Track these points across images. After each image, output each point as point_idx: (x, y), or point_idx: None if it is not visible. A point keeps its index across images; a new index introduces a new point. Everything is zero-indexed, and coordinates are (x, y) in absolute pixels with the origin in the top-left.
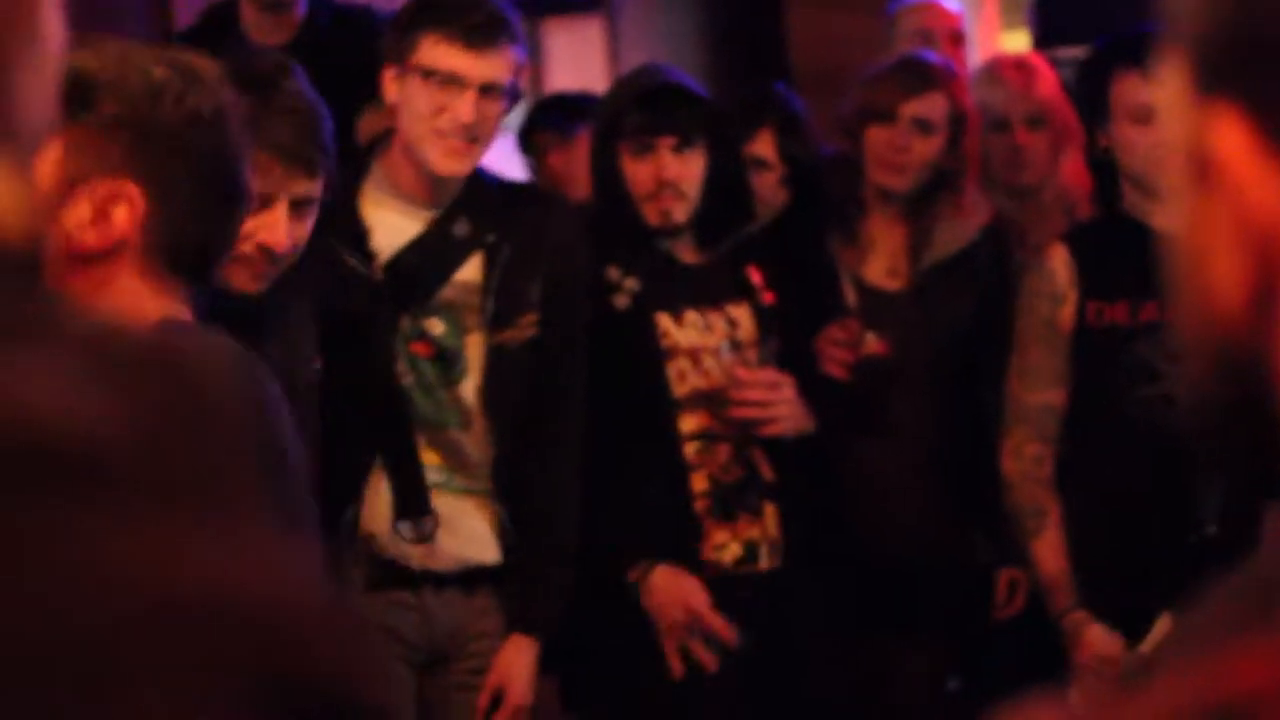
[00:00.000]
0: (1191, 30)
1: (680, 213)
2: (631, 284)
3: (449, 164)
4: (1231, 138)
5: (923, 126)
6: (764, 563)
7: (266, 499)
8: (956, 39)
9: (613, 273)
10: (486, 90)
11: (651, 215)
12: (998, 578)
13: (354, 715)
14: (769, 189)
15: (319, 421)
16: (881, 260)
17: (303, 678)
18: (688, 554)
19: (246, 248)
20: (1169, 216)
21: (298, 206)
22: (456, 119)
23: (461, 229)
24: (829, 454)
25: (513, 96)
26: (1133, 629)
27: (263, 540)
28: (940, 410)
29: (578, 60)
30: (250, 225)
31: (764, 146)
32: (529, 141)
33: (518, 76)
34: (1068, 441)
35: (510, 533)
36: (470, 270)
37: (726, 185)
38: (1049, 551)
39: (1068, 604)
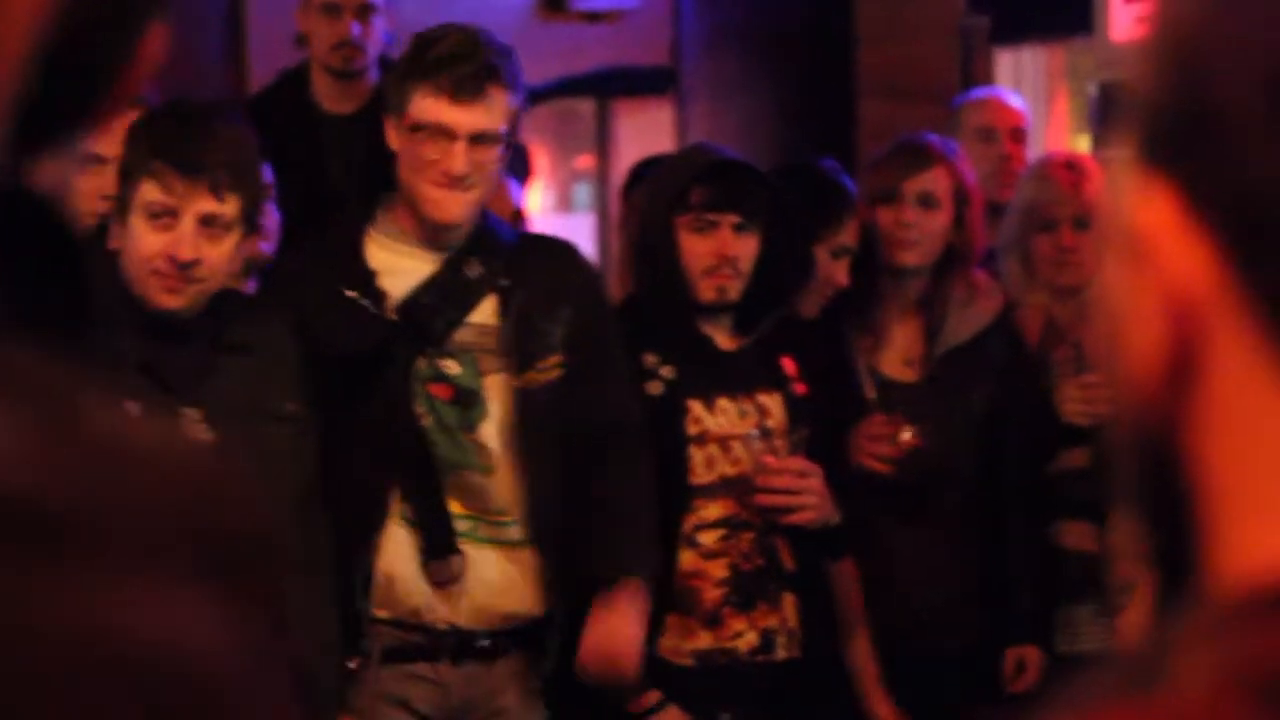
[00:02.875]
0: (1139, 101)
1: (734, 290)
2: (668, 371)
3: (444, 213)
4: (1161, 209)
5: (926, 201)
6: (781, 653)
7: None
8: (1019, 136)
9: (649, 359)
10: (478, 139)
11: (706, 291)
12: (1004, 657)
13: None
14: (844, 274)
15: (318, 460)
16: (897, 351)
17: None
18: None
19: (158, 263)
20: (1100, 284)
21: (206, 224)
22: (449, 170)
23: (474, 270)
24: (857, 545)
25: (509, 140)
26: None
27: (193, 599)
28: (963, 497)
29: (647, 142)
30: (161, 241)
31: (850, 235)
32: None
33: (514, 120)
34: None
35: (556, 583)
36: (485, 313)
37: (772, 268)
38: (1128, 628)
39: None
